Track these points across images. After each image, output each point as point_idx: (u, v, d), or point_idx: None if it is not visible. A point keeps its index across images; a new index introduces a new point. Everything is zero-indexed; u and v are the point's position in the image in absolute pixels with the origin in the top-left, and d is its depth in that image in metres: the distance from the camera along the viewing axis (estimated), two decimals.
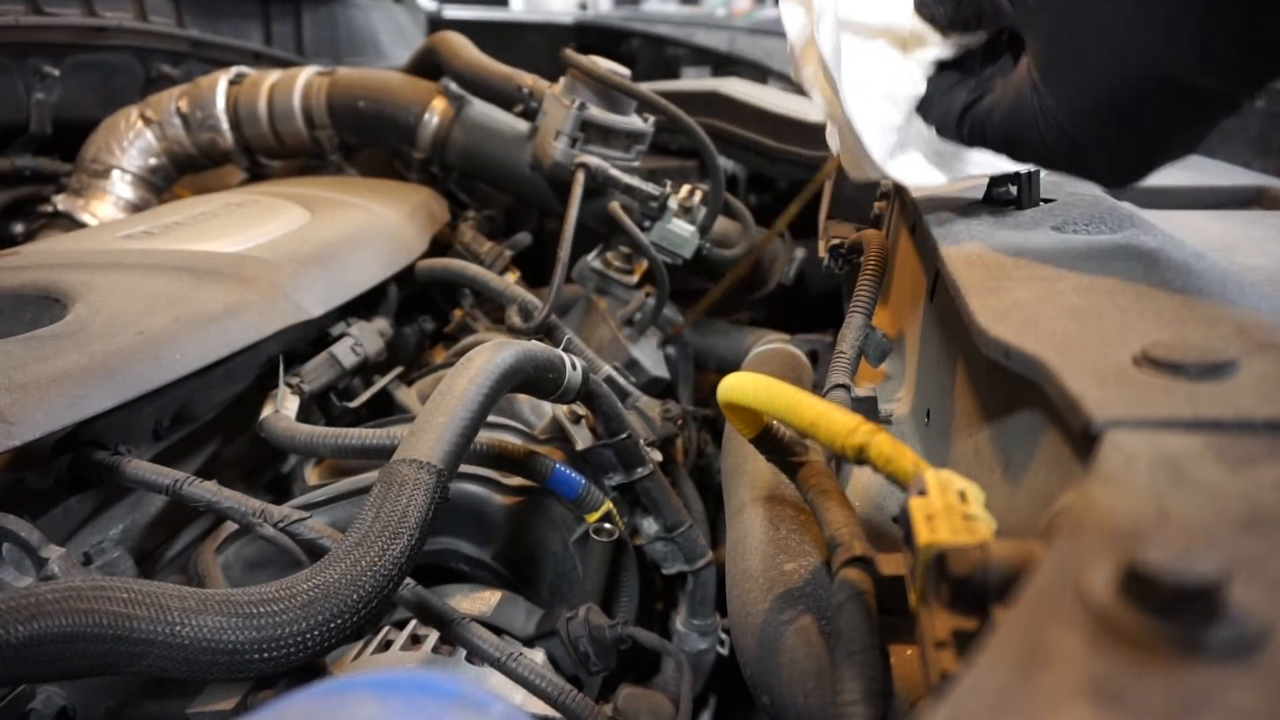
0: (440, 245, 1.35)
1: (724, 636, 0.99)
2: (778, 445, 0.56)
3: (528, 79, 1.35)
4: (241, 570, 0.81)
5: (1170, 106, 0.44)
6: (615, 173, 1.22)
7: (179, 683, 0.70)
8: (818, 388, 0.74)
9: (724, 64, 2.33)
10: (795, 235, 1.53)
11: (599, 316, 1.29)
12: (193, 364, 0.80)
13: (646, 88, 1.27)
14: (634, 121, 1.29)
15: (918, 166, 0.62)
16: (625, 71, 1.26)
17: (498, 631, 0.76)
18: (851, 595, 0.43)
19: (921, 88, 0.58)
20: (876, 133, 0.60)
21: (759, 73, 2.19)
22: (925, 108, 0.59)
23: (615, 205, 1.24)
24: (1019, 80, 0.50)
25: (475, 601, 0.85)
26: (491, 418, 0.98)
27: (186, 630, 0.48)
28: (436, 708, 0.41)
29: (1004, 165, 0.63)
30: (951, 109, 0.55)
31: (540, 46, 2.44)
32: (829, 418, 0.47)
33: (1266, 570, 0.26)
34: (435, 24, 2.54)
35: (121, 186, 1.45)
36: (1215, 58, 0.41)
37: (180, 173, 1.54)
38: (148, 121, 1.48)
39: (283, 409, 0.91)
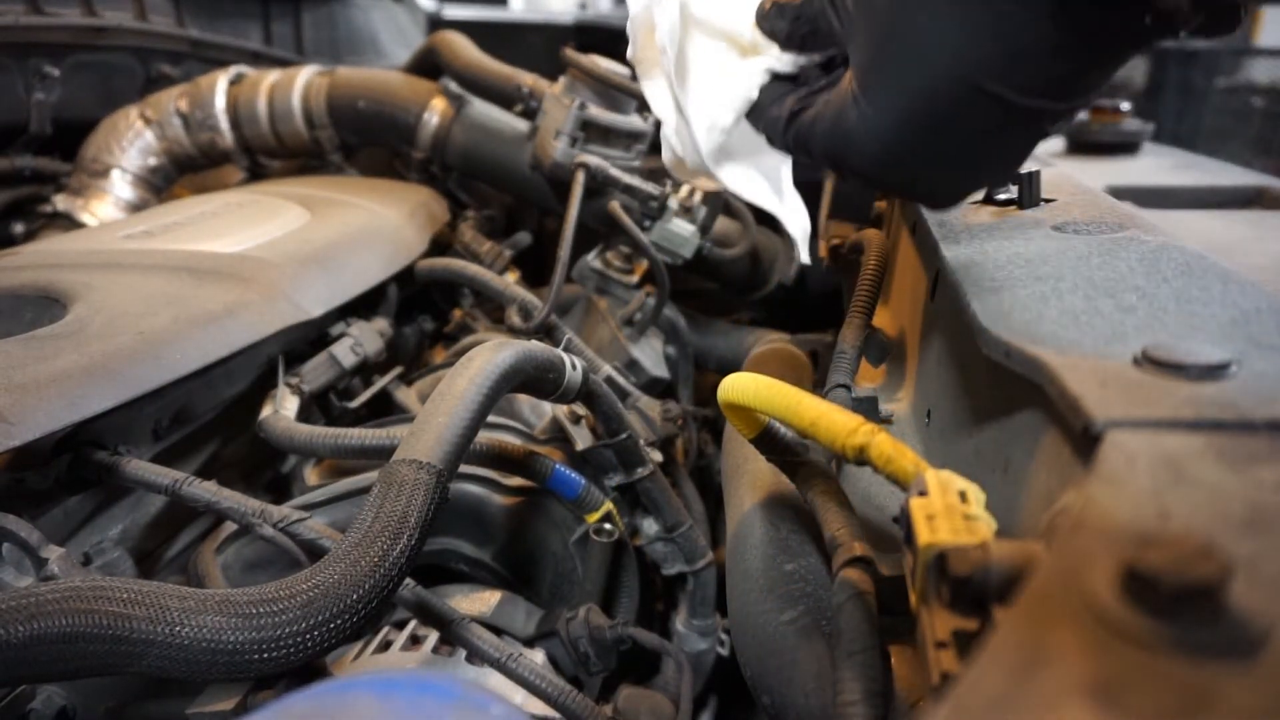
0: (440, 245, 1.35)
1: (724, 637, 0.99)
2: (778, 445, 0.56)
3: (528, 79, 1.35)
4: (241, 570, 0.81)
5: (983, 121, 0.44)
6: (615, 172, 1.22)
7: (179, 683, 0.70)
8: (818, 388, 0.74)
9: None
10: None
11: (599, 316, 1.29)
12: (193, 364, 0.80)
13: None
14: (634, 121, 1.29)
15: (743, 177, 0.61)
16: (625, 71, 1.26)
17: (498, 632, 0.76)
18: (852, 595, 0.43)
19: (755, 95, 0.58)
20: (706, 130, 0.59)
21: None
22: (755, 115, 0.58)
23: (615, 205, 1.24)
24: (841, 93, 0.50)
25: (475, 602, 0.85)
26: (491, 418, 0.98)
27: (186, 630, 0.48)
28: (436, 708, 0.41)
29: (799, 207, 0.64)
30: (780, 116, 0.55)
31: (540, 46, 2.43)
32: (829, 418, 0.47)
33: (1266, 570, 0.26)
34: (435, 24, 2.53)
35: (121, 186, 1.45)
36: (1026, 74, 0.42)
37: (180, 173, 1.54)
38: (147, 121, 1.48)
39: (282, 409, 0.91)
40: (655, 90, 0.64)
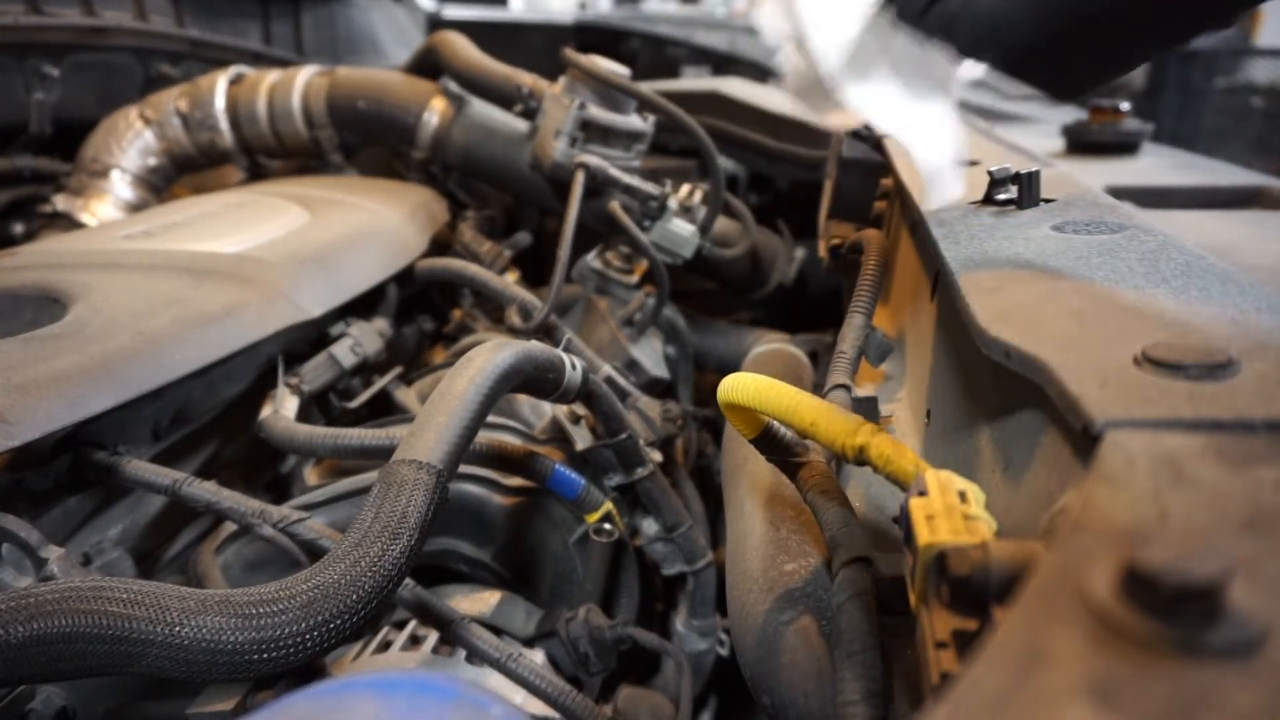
0: (440, 245, 1.35)
1: (724, 637, 0.99)
2: (778, 445, 0.56)
3: (527, 79, 1.35)
4: (241, 571, 0.81)
5: (1138, 31, 0.51)
6: (615, 172, 1.22)
7: (179, 683, 0.70)
8: (818, 388, 0.74)
9: (724, 64, 2.33)
10: (795, 235, 1.53)
11: (599, 316, 1.29)
12: (192, 364, 0.80)
13: (646, 88, 1.27)
14: (634, 121, 1.29)
15: (874, 99, 0.59)
16: (625, 71, 1.26)
17: (497, 632, 0.76)
18: (852, 595, 0.43)
19: None
20: (834, 47, 0.58)
21: (759, 73, 2.19)
22: None
23: (615, 205, 1.24)
24: None
25: (475, 602, 0.85)
26: (491, 418, 0.98)
27: (186, 631, 0.48)
28: (436, 708, 0.41)
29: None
30: None
31: (540, 46, 2.43)
32: (829, 418, 0.47)
33: (1266, 570, 0.26)
34: (435, 24, 2.54)
35: (121, 186, 1.45)
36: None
37: (180, 173, 1.54)
38: (147, 121, 1.48)
39: (282, 409, 0.91)
40: (772, 10, 0.63)
